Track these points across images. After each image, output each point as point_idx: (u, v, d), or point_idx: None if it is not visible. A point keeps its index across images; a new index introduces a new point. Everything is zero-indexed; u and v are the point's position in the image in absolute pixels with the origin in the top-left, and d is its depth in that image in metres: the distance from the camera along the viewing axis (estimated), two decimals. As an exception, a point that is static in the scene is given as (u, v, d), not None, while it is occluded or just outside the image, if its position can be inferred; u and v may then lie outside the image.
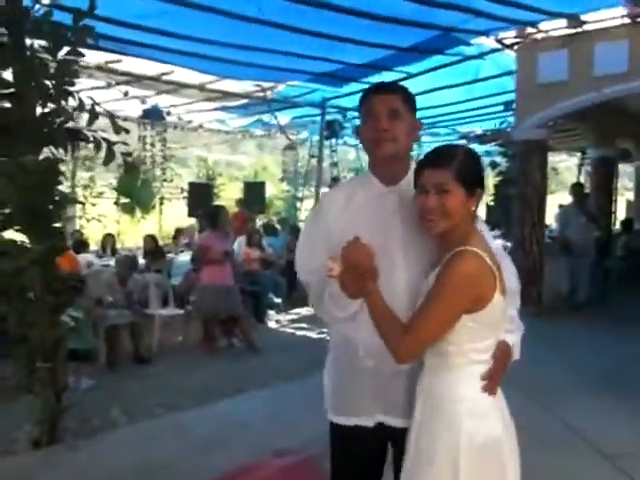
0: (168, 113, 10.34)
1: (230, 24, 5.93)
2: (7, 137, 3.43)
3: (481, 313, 1.59)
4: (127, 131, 4.21)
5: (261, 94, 9.01)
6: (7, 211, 3.53)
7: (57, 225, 3.73)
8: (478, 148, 14.58)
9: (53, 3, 3.71)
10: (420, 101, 7.52)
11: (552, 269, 7.99)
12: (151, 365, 5.63)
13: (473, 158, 1.67)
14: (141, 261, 7.43)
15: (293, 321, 7.92)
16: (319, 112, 10.16)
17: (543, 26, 6.88)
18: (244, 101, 9.55)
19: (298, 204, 15.08)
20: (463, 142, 13.76)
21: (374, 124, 1.78)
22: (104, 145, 3.78)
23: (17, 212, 3.52)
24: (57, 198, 3.67)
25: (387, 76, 8.50)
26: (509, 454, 1.67)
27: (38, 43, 3.47)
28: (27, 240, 3.56)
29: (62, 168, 4.03)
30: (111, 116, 4.04)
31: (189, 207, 11.04)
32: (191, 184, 11.56)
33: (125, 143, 4.72)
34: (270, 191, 14.31)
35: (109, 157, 3.84)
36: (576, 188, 8.62)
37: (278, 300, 8.41)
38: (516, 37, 7.21)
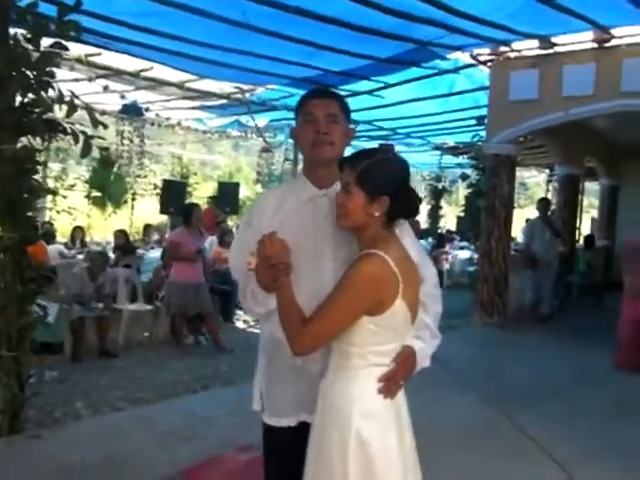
0: (147, 109, 10.30)
1: (213, 25, 6.00)
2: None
3: (382, 317, 1.62)
4: (105, 125, 4.23)
5: (240, 95, 9.05)
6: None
7: (30, 215, 3.75)
8: (450, 160, 14.91)
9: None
10: (396, 111, 7.70)
11: (517, 281, 8.23)
12: (117, 359, 5.65)
13: (383, 165, 1.68)
14: (110, 255, 7.41)
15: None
16: (295, 116, 10.25)
17: (516, 45, 7.10)
18: (223, 101, 9.58)
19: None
20: (437, 152, 14.08)
21: (315, 127, 1.83)
22: (82, 138, 3.81)
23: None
24: (32, 188, 3.69)
25: (365, 85, 8.68)
26: (400, 461, 1.70)
27: (21, 33, 3.48)
28: (-1, 228, 3.57)
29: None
30: (89, 109, 4.08)
31: (162, 204, 10.98)
32: (165, 181, 11.50)
33: (102, 137, 4.73)
34: (244, 192, 14.32)
35: (86, 150, 3.86)
36: (542, 203, 8.89)
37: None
38: (490, 54, 7.42)
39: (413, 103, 9.39)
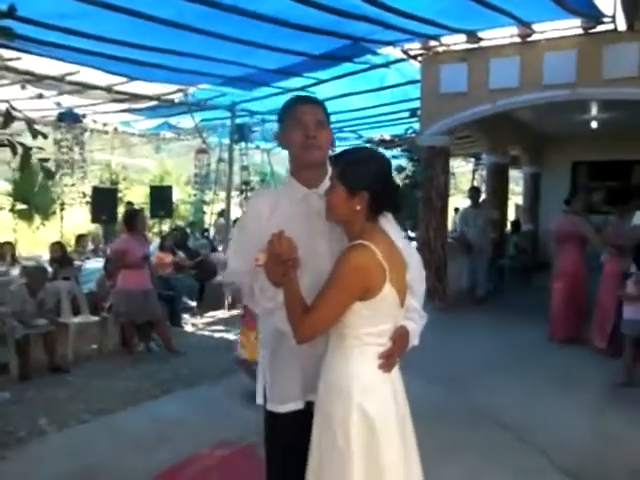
0: (84, 116, 9.89)
1: (143, 25, 5.84)
2: None
3: (372, 301, 1.77)
4: (45, 136, 4.04)
5: (170, 97, 8.87)
6: None
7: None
8: (385, 152, 15.22)
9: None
10: (329, 106, 7.80)
11: (455, 267, 8.55)
12: (68, 374, 5.43)
13: (362, 163, 1.83)
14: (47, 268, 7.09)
15: (209, 324, 7.91)
16: (228, 115, 10.16)
17: (445, 40, 7.35)
18: (152, 103, 9.35)
19: (205, 208, 14.93)
20: (369, 146, 14.33)
21: (304, 132, 1.95)
22: (20, 149, 3.63)
23: None
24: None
25: (297, 82, 8.71)
26: (398, 429, 1.85)
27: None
28: None
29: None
30: (28, 120, 3.88)
31: (93, 213, 10.57)
32: (95, 188, 11.06)
33: (41, 148, 4.52)
34: (176, 195, 14.03)
35: (25, 162, 3.68)
36: (473, 192, 9.26)
37: (193, 303, 8.35)
38: (421, 49, 7.64)
39: (345, 98, 9.53)
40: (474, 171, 15.75)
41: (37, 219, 11.82)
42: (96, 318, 6.29)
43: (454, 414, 4.23)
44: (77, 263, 8.03)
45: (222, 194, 14.00)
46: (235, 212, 11.49)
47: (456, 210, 13.44)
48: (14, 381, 5.16)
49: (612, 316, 5.64)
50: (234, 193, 11.04)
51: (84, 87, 8.06)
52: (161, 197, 11.89)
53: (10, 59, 7.16)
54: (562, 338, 6.47)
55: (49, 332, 5.45)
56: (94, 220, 10.78)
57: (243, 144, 10.93)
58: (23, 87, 7.72)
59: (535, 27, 6.65)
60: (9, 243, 8.88)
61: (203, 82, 8.49)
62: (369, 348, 1.83)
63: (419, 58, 7.83)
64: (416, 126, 8.99)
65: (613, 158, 10.94)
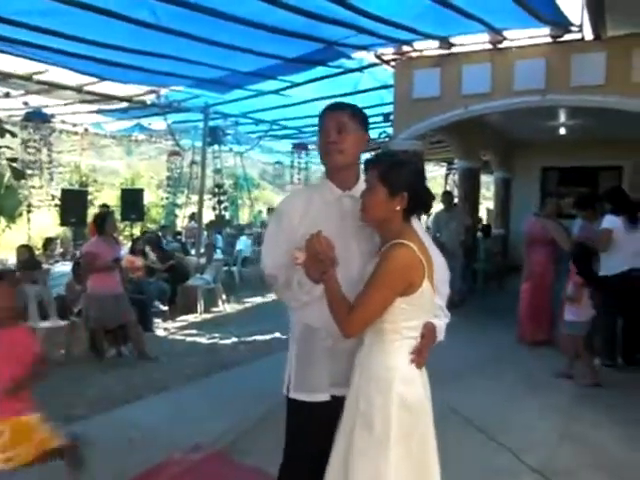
0: (52, 116, 9.67)
1: (116, 25, 5.77)
2: None
3: (412, 297, 1.88)
4: (14, 134, 3.97)
5: (142, 98, 8.77)
6: None
7: None
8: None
9: None
10: (301, 110, 7.79)
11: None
12: (35, 380, 5.29)
13: (402, 165, 1.94)
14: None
15: (181, 328, 7.82)
16: (201, 117, 10.10)
17: (418, 45, 7.42)
18: (124, 105, 9.23)
19: (177, 211, 14.79)
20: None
21: (325, 138, 2.08)
22: (-12, 148, 3.55)
23: None
24: None
25: (271, 84, 8.70)
26: (430, 414, 2.02)
27: None
28: None
29: None
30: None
31: (62, 215, 10.37)
32: (64, 191, 10.85)
33: (9, 147, 4.43)
34: (148, 198, 13.86)
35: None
36: (446, 196, 9.35)
37: (164, 307, 8.25)
38: (394, 54, 7.69)
39: (319, 102, 9.55)
40: (446, 176, 15.94)
41: (3, 222, 11.51)
42: (65, 322, 6.16)
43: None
44: (45, 267, 7.85)
45: (194, 197, 13.91)
46: (208, 215, 11.42)
47: (429, 214, 13.57)
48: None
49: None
50: (206, 196, 10.94)
51: (53, 87, 7.92)
52: (132, 200, 11.74)
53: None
54: (530, 340, 6.59)
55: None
56: (63, 223, 10.58)
57: (216, 147, 10.84)
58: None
59: (506, 34, 6.75)
60: (-26, 246, 8.65)
61: (176, 84, 8.42)
62: (407, 341, 1.94)
63: (392, 63, 7.89)
64: (390, 130, 9.05)
65: (581, 164, 11.19)
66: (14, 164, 3.82)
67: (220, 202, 11.22)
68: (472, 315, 7.96)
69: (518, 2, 5.42)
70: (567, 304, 5.32)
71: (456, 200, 9.98)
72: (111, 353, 6.17)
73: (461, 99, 7.34)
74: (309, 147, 12.96)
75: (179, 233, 10.77)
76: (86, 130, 11.82)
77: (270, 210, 13.83)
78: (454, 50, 7.28)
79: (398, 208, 1.91)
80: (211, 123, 10.24)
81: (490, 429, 4.08)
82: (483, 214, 15.05)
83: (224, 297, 9.35)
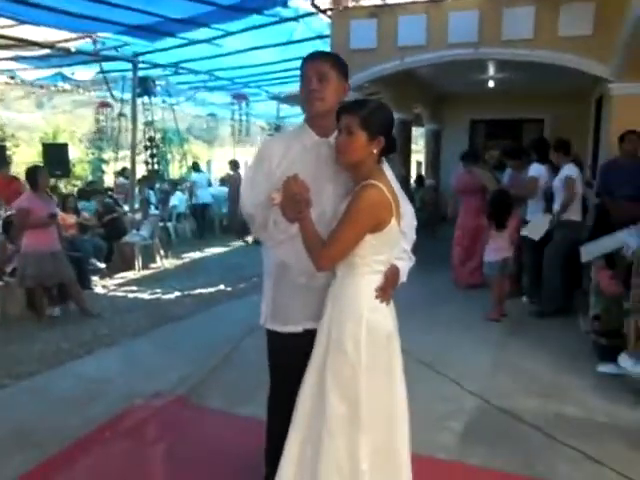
0: None
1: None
2: None
3: (381, 233, 2.02)
4: None
5: (66, 45, 8.26)
6: None
7: None
8: (289, 110, 15.14)
9: None
10: (234, 60, 7.63)
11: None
12: (-27, 341, 5.12)
13: (380, 111, 2.05)
14: None
15: (120, 285, 7.70)
16: (130, 67, 9.66)
17: (356, -5, 7.40)
18: (44, 52, 8.66)
19: (104, 167, 14.24)
20: (274, 103, 14.22)
21: (306, 86, 2.15)
22: None
23: None
24: None
25: (204, 33, 8.43)
26: (397, 348, 2.18)
27: None
28: None
29: None
30: None
31: (-21, 172, 9.76)
32: (-21, 146, 10.19)
33: None
34: (73, 153, 13.23)
35: None
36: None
37: (101, 265, 8.06)
38: (331, 3, 7.64)
39: (252, 52, 9.37)
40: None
41: None
42: (-1, 282, 5.93)
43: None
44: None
45: (121, 152, 13.43)
46: (139, 170, 11.09)
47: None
48: None
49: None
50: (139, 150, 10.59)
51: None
52: (56, 155, 11.24)
53: None
54: (464, 284, 6.99)
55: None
56: (-19, 180, 9.97)
57: (146, 98, 10.44)
58: None
59: (441, -15, 6.85)
60: None
61: (102, 30, 7.99)
62: (376, 274, 2.09)
63: (328, 12, 7.83)
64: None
65: (507, 117, 11.62)
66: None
67: (153, 156, 10.87)
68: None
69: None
70: (486, 248, 5.76)
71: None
72: (50, 312, 6.00)
73: (397, 51, 7.44)
74: (249, 98, 12.70)
75: (110, 189, 10.40)
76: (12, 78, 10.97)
77: (195, 165, 13.44)
78: (390, 1, 7.32)
79: (375, 151, 2.03)
80: (140, 73, 9.81)
81: (431, 362, 4.40)
82: (413, 166, 15.43)
83: (162, 253, 9.23)
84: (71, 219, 7.89)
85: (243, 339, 4.79)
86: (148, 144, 10.81)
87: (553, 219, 5.76)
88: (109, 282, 7.78)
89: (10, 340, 5.16)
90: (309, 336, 2.19)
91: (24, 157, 13.04)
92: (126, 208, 9.80)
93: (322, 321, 2.12)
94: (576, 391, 3.98)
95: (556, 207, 5.74)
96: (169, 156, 16.62)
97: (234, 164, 12.74)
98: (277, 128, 14.65)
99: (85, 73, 10.28)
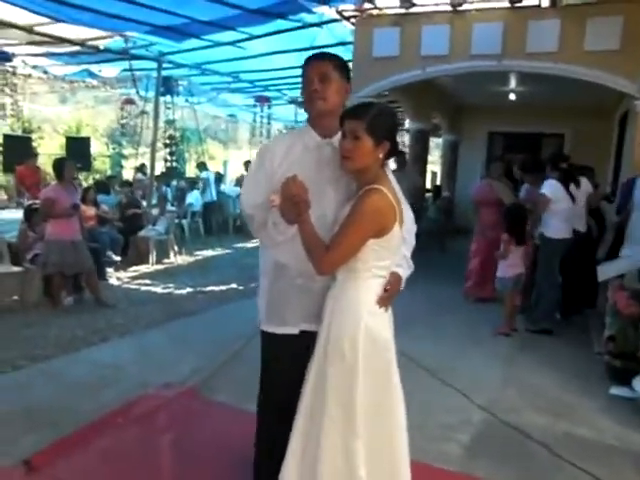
0: (13, 55, 9.08)
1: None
2: None
3: (384, 238, 2.00)
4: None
5: (96, 43, 8.43)
6: None
7: None
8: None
9: None
10: (256, 63, 7.72)
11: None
12: (-11, 325, 5.24)
13: (385, 116, 2.04)
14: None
15: (134, 278, 7.80)
16: (154, 66, 9.82)
17: (379, 2, 7.47)
18: (75, 48, 8.84)
19: (123, 162, 14.41)
20: (292, 106, 14.33)
21: (308, 86, 2.13)
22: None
23: None
24: None
25: (229, 35, 8.55)
26: (394, 356, 2.13)
27: None
28: None
29: None
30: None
31: (4, 162, 9.98)
32: (6, 136, 10.39)
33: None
34: (95, 147, 13.42)
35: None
36: (400, 156, 9.54)
37: (117, 257, 8.19)
38: (355, 10, 7.71)
39: (273, 56, 9.48)
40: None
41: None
42: (19, 269, 6.05)
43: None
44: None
45: (141, 149, 13.58)
46: (158, 167, 11.24)
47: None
48: None
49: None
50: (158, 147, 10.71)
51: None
52: (78, 149, 11.46)
53: None
54: (475, 297, 6.98)
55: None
56: (5, 169, 10.19)
57: (169, 97, 10.59)
58: None
59: (466, -4, 6.90)
60: None
61: (131, 29, 8.13)
62: (377, 279, 2.07)
63: (352, 20, 7.91)
64: (347, 88, 9.10)
65: (525, 130, 11.62)
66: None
67: (172, 154, 11.00)
68: (419, 271, 8.26)
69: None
70: (500, 263, 5.72)
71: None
72: (68, 301, 6.13)
73: (419, 60, 7.48)
74: (271, 100, 12.81)
75: (129, 183, 10.54)
76: (14, 73, 11.16)
77: (200, 165, 13.53)
78: (414, 10, 7.37)
79: (380, 156, 2.02)
80: (164, 73, 9.97)
81: (439, 374, 4.38)
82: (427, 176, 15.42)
83: (176, 249, 9.34)
84: (90, 211, 8.01)
85: (254, 337, 4.82)
86: (168, 142, 10.94)
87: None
88: (123, 274, 7.89)
89: (27, 324, 5.28)
90: (305, 337, 2.20)
91: (48, 149, 13.24)
92: (144, 204, 9.93)
93: (322, 324, 2.11)
94: (586, 412, 3.92)
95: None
96: (186, 155, 16.81)
97: (248, 165, 12.84)
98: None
99: (111, 70, 10.46)
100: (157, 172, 11.09)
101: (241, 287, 7.35)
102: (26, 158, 9.86)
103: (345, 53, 8.68)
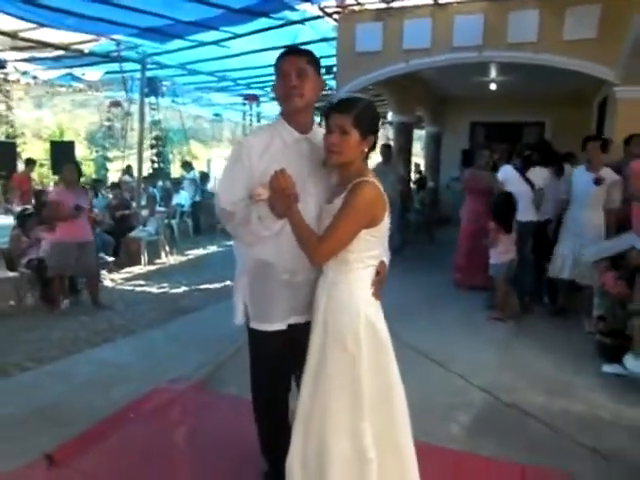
0: (5, 61, 9.02)
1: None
2: None
3: (375, 229, 2.08)
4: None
5: (80, 47, 8.43)
6: None
7: None
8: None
9: None
10: (238, 62, 7.79)
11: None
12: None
13: (370, 110, 2.10)
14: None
15: (128, 279, 7.84)
16: (137, 68, 9.82)
17: (361, -1, 7.58)
18: (59, 53, 8.83)
19: (108, 165, 14.36)
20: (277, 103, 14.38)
21: (285, 81, 2.15)
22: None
23: None
24: None
25: (213, 35, 8.60)
26: (389, 342, 2.17)
27: None
28: None
29: None
30: None
31: (-10, 168, 9.93)
32: (-8, 143, 10.35)
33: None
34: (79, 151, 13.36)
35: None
36: (386, 149, 9.66)
37: (110, 259, 8.21)
38: (337, 6, 7.81)
39: (256, 54, 9.54)
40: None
41: None
42: (14, 274, 6.07)
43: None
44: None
45: (126, 151, 13.57)
46: (145, 168, 11.24)
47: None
48: None
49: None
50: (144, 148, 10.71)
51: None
52: (63, 153, 11.39)
53: None
54: (466, 285, 7.11)
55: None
56: (-8, 176, 10.14)
57: (153, 99, 10.60)
58: None
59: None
60: None
61: (116, 32, 8.15)
62: (368, 269, 2.14)
63: (335, 16, 8.01)
64: (332, 83, 9.21)
65: (507, 120, 11.81)
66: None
67: (159, 155, 11.03)
68: (409, 262, 8.41)
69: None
70: (491, 250, 5.86)
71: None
72: (63, 304, 6.16)
73: (402, 54, 7.62)
74: (260, 98, 12.86)
75: (118, 185, 10.54)
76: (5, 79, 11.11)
77: (186, 165, 13.55)
78: (396, 4, 7.49)
79: (366, 149, 2.09)
80: (148, 74, 9.98)
81: (438, 359, 4.50)
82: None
83: (167, 249, 9.38)
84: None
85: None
86: (154, 142, 10.96)
87: None
88: (117, 276, 7.93)
89: (26, 328, 5.31)
90: (292, 329, 2.28)
91: (31, 154, 13.15)
92: (133, 205, 9.95)
93: (316, 315, 2.16)
94: (581, 389, 4.06)
95: None
96: (170, 156, 16.81)
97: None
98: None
99: (95, 73, 10.44)
100: (144, 173, 11.10)
101: (236, 284, 7.41)
102: (10, 166, 9.86)
103: (328, 49, 8.80)
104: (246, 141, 2.37)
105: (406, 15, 7.50)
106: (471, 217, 7.18)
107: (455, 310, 6.12)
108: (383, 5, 7.59)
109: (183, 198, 11.56)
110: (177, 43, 8.92)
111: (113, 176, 13.95)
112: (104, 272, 7.85)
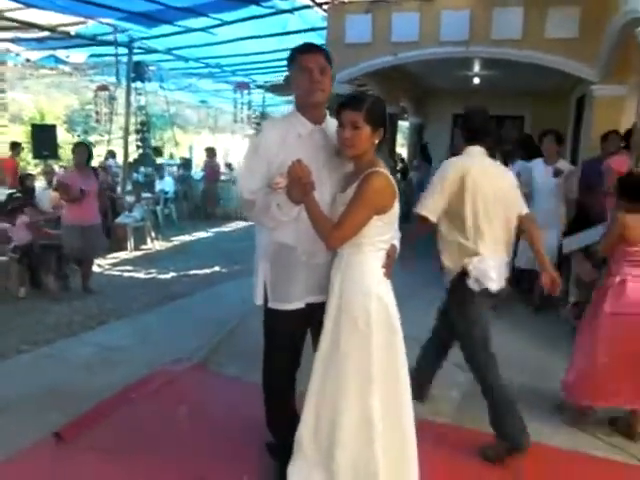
0: None
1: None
2: None
3: (386, 215, 2.25)
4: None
5: (67, 29, 8.36)
6: None
7: None
8: (272, 98, 15.32)
9: None
10: (226, 49, 7.84)
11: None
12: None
13: (379, 105, 2.26)
14: None
15: (114, 265, 7.90)
16: (124, 52, 9.77)
17: (351, -10, 7.66)
18: (42, 34, 8.73)
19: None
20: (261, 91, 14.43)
21: (309, 77, 2.30)
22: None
23: None
24: None
25: (201, 22, 8.60)
26: (398, 320, 2.33)
27: None
28: None
29: None
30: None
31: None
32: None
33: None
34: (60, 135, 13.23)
35: None
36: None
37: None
38: (327, -3, 7.89)
39: (242, 42, 9.56)
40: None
41: None
42: (2, 258, 6.10)
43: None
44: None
45: (108, 136, 13.47)
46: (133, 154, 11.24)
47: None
48: None
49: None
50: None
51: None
52: (44, 137, 11.25)
53: None
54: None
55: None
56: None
57: (140, 83, 10.55)
58: None
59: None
60: None
61: (105, 16, 8.11)
62: (379, 252, 2.32)
63: (325, 6, 8.08)
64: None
65: (488, 113, 12.00)
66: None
67: (144, 140, 11.01)
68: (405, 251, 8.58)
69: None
70: None
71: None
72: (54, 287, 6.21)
73: (390, 46, 7.72)
74: (251, 86, 12.86)
75: (104, 169, 10.46)
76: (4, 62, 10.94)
77: (155, 150, 13.56)
78: (385, -3, 7.58)
79: (376, 142, 2.26)
80: (135, 58, 9.94)
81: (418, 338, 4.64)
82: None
83: (152, 235, 9.43)
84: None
85: (248, 315, 5.06)
86: (140, 127, 10.94)
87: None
88: (103, 261, 7.96)
89: (19, 313, 5.37)
90: (309, 308, 2.46)
91: (11, 137, 12.99)
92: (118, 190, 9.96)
93: (330, 295, 2.32)
94: (557, 370, 4.12)
95: None
96: (152, 141, 16.71)
97: (211, 151, 13.14)
98: (263, 116, 14.85)
99: (79, 56, 10.34)
100: (130, 159, 11.07)
101: (225, 270, 7.54)
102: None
103: (317, 39, 8.85)
104: (261, 134, 2.49)
105: (394, 8, 7.59)
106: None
107: (434, 294, 6.23)
108: (373, -3, 7.67)
109: (167, 184, 11.58)
110: (164, 28, 8.89)
111: (95, 162, 13.79)
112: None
